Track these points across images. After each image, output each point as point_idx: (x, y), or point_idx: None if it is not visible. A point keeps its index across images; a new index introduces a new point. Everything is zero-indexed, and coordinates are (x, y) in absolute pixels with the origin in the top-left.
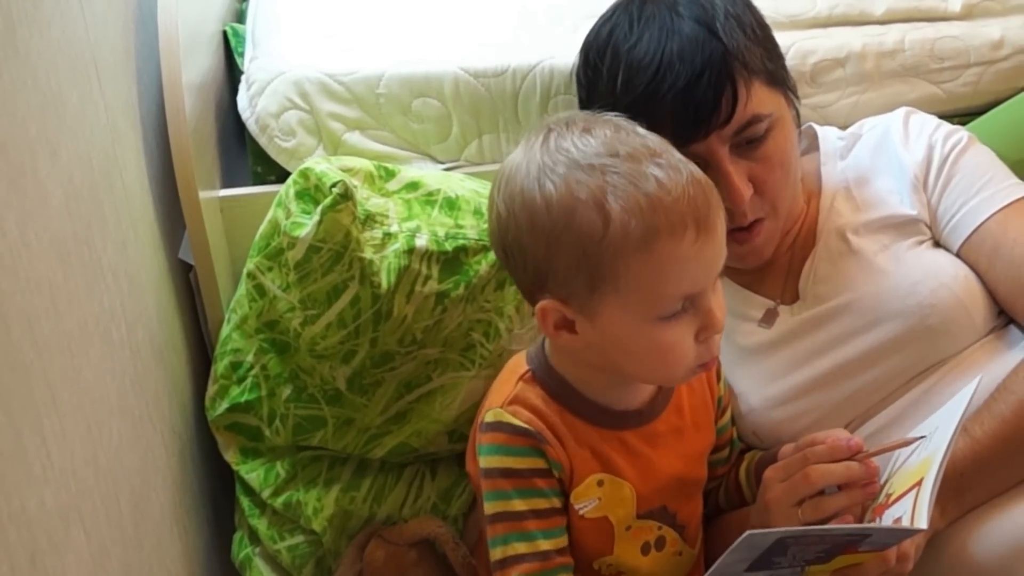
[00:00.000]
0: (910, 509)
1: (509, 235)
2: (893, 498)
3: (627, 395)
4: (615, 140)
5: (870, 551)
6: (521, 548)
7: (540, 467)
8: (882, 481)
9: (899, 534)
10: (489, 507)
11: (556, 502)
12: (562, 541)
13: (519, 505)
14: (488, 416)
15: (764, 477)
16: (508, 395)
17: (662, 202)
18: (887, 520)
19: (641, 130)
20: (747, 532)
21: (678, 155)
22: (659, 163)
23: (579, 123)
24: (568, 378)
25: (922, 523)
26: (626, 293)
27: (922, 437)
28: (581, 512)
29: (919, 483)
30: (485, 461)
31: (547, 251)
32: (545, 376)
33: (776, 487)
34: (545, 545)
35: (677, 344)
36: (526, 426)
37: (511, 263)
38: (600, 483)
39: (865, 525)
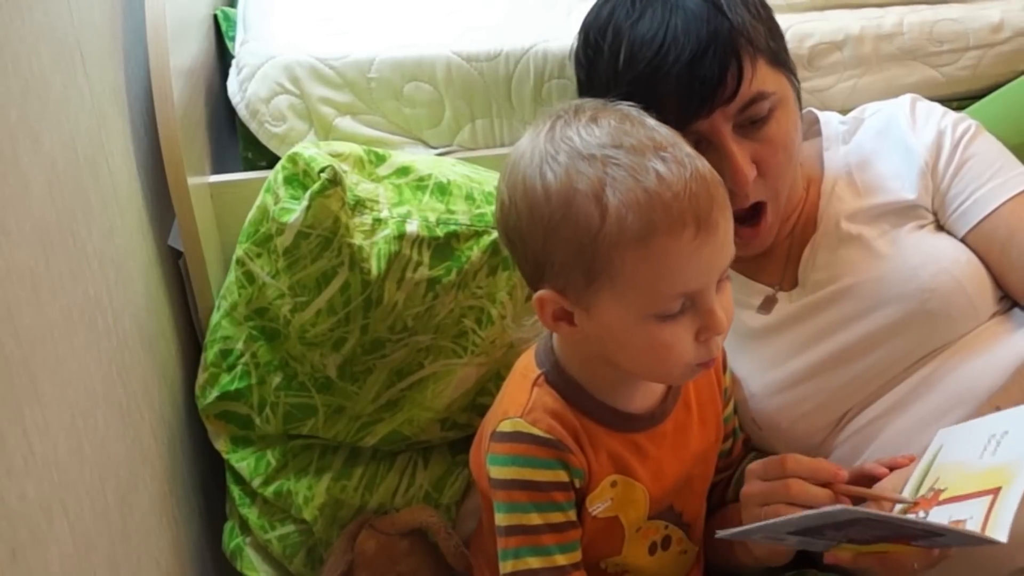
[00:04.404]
0: (981, 515)
1: (511, 223)
2: (947, 496)
3: (637, 396)
4: (620, 131)
5: (919, 547)
6: (535, 563)
7: (561, 480)
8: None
9: (974, 541)
10: (502, 519)
11: (572, 515)
12: (577, 555)
13: (536, 519)
14: (505, 426)
15: (747, 469)
16: (525, 404)
17: (661, 197)
18: (940, 516)
19: (650, 121)
20: (841, 507)
21: (686, 149)
22: (663, 157)
23: (587, 111)
24: (579, 379)
25: (1002, 536)
26: (622, 288)
27: (914, 503)
28: (593, 513)
29: (996, 491)
30: (501, 472)
31: (545, 241)
32: (557, 379)
33: (754, 483)
34: (562, 560)
35: (674, 344)
36: (548, 436)
37: (514, 251)
38: (613, 484)
39: (944, 525)
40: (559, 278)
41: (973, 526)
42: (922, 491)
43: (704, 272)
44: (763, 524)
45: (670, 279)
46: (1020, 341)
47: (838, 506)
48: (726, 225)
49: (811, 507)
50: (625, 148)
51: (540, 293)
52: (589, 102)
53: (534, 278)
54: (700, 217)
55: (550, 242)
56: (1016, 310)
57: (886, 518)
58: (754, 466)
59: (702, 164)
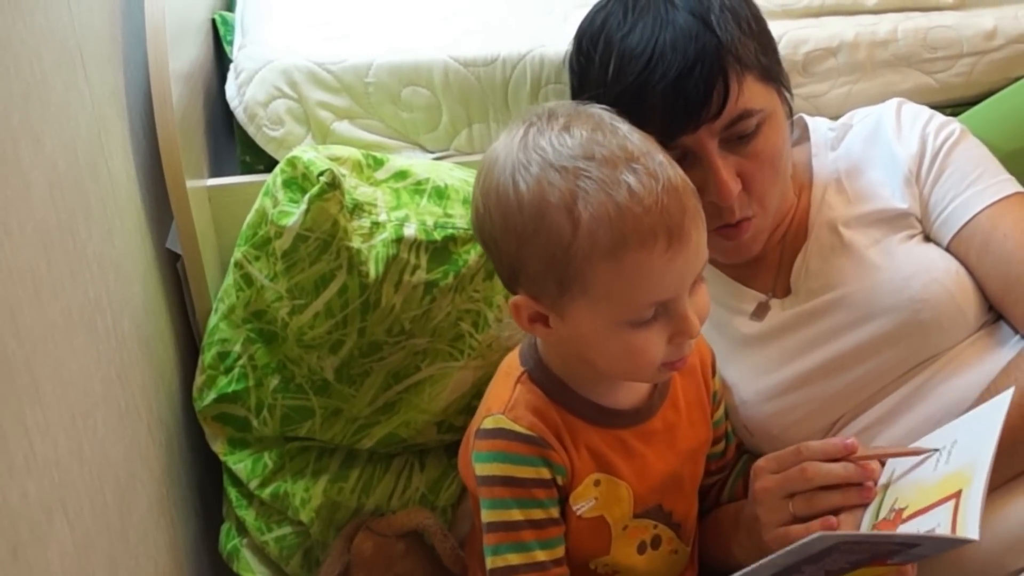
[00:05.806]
0: (948, 520)
1: (486, 230)
2: (910, 512)
3: (621, 392)
4: (592, 141)
5: (895, 564)
6: (514, 559)
7: (542, 477)
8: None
9: (949, 544)
10: (486, 515)
11: (554, 512)
12: (559, 551)
13: (516, 515)
14: (488, 423)
15: (755, 467)
16: (507, 400)
17: (632, 211)
18: (908, 531)
19: (624, 128)
20: (819, 533)
21: (659, 157)
22: (634, 168)
23: (560, 118)
24: (563, 376)
25: (973, 533)
26: (595, 298)
27: (935, 450)
28: (579, 512)
29: (957, 494)
30: (484, 468)
31: (518, 250)
32: (541, 376)
33: (767, 478)
34: (542, 556)
35: (647, 349)
36: (530, 432)
37: (490, 255)
38: (597, 483)
39: (920, 534)
40: (533, 285)
41: (943, 532)
42: (883, 514)
43: (676, 282)
44: (742, 574)
45: (642, 290)
46: (1010, 352)
47: (816, 534)
48: (698, 234)
49: (829, 485)
50: (597, 160)
51: (515, 298)
52: (562, 106)
53: (510, 282)
54: (671, 229)
55: (523, 251)
56: (1003, 321)
57: (863, 537)
58: (765, 462)
59: (674, 173)
